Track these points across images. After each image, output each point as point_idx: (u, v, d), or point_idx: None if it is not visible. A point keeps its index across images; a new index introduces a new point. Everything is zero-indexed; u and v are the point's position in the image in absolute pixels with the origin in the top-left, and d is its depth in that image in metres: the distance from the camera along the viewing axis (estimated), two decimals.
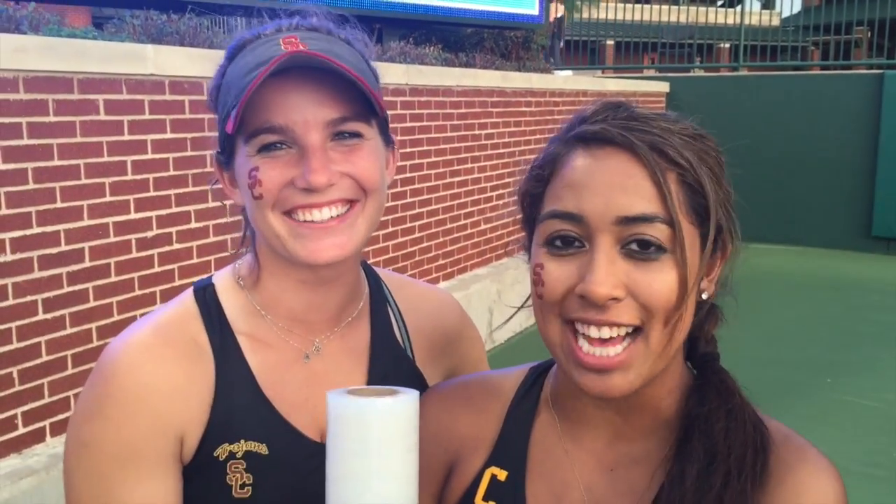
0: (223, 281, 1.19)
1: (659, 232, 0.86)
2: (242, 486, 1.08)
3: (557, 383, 1.04)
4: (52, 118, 3.21)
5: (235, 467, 1.08)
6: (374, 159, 1.10)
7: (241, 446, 1.09)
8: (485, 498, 1.01)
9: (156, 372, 1.06)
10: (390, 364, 1.23)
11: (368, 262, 1.34)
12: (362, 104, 1.07)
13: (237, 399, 1.10)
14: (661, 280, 0.86)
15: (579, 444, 1.00)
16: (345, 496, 0.89)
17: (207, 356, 1.11)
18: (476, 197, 6.61)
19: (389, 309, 1.28)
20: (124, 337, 1.10)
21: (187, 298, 1.16)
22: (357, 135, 1.08)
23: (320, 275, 1.14)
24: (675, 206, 0.86)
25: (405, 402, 0.91)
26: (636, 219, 0.85)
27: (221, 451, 1.08)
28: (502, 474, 1.02)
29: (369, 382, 1.20)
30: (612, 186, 0.86)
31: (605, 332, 0.88)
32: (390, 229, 5.50)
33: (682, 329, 0.89)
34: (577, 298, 0.88)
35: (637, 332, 0.88)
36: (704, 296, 0.95)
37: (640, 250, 0.86)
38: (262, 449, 1.09)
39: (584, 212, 0.87)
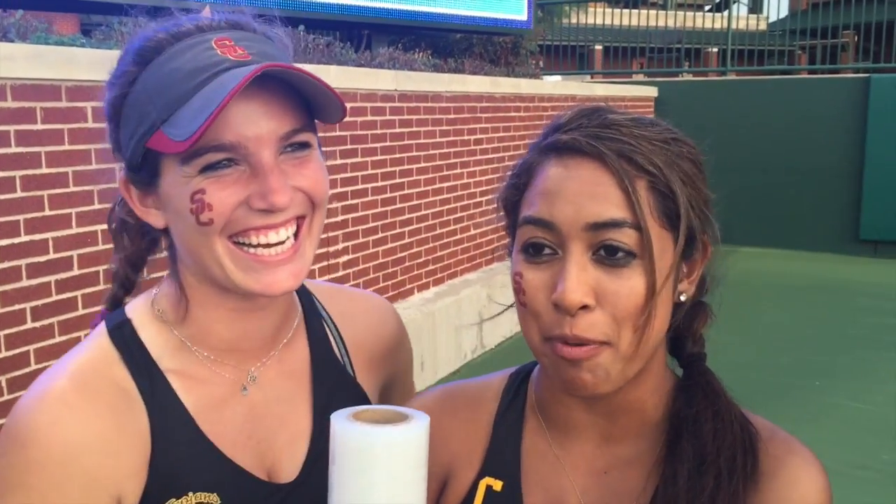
0: (140, 315, 1.06)
1: (627, 237, 0.87)
2: None
3: (542, 389, 1.04)
4: (39, 126, 3.20)
5: None
6: (321, 169, 1.02)
7: (191, 499, 0.99)
8: None
9: (81, 428, 0.93)
10: (333, 384, 1.15)
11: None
12: (307, 113, 0.99)
13: (178, 447, 1.00)
14: (629, 286, 0.87)
15: (570, 449, 1.01)
16: None
17: (137, 403, 0.99)
18: (466, 202, 6.62)
19: (324, 324, 1.19)
20: (36, 391, 0.95)
21: (102, 340, 1.03)
22: (306, 145, 1.00)
23: (257, 302, 1.05)
24: (644, 212, 0.88)
25: (416, 429, 0.85)
26: (605, 224, 0.87)
27: None
28: (497, 484, 1.02)
29: (314, 407, 1.12)
30: (582, 194, 0.88)
31: (576, 352, 0.89)
32: (380, 235, 5.50)
33: (652, 333, 0.90)
34: (553, 308, 0.89)
35: (606, 344, 0.90)
36: (682, 297, 0.96)
37: (610, 256, 0.88)
38: (214, 499, 1.00)
39: (555, 219, 0.89)
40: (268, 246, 0.98)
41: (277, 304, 1.08)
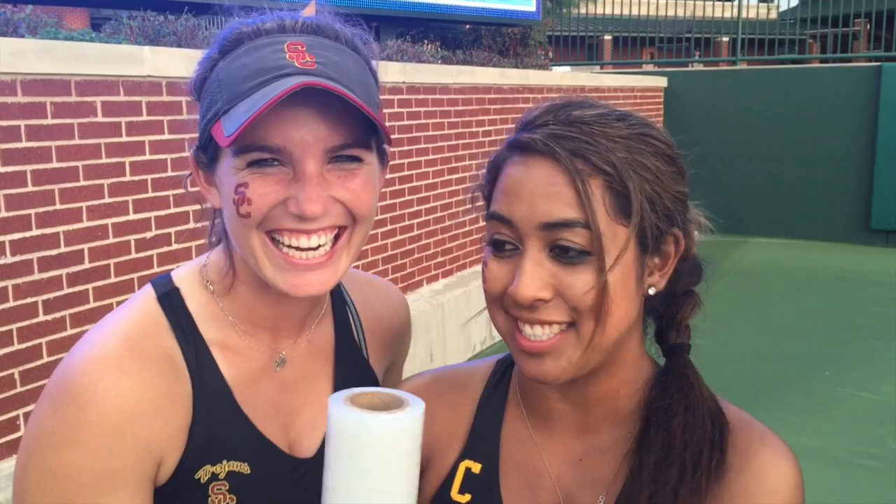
0: (189, 284, 1.10)
1: (579, 236, 0.89)
2: None
3: (522, 377, 1.07)
4: (50, 121, 3.23)
5: (218, 489, 1.04)
6: (369, 187, 1.03)
7: (224, 467, 1.04)
8: (460, 491, 1.05)
9: (136, 396, 0.97)
10: (352, 366, 1.21)
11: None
12: (366, 127, 1.00)
13: (216, 418, 1.04)
14: (582, 280, 0.90)
15: (548, 436, 1.04)
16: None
17: (183, 373, 1.04)
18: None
19: (347, 309, 1.25)
20: (92, 354, 0.99)
21: (152, 305, 1.07)
22: (356, 159, 1.01)
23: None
24: (597, 210, 0.90)
25: (411, 417, 0.87)
26: (557, 224, 0.90)
27: (203, 473, 1.03)
28: (476, 467, 1.06)
29: (336, 385, 1.17)
30: (537, 194, 0.91)
31: (538, 330, 0.92)
32: (389, 227, 5.52)
33: (614, 324, 0.92)
34: (511, 297, 0.93)
35: (570, 326, 0.93)
36: (651, 291, 0.98)
37: (564, 254, 0.90)
38: (245, 468, 1.05)
39: (513, 217, 0.93)
40: (299, 249, 1.00)
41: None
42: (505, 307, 0.95)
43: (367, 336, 1.25)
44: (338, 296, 1.24)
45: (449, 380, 1.14)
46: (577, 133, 0.92)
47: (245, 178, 0.98)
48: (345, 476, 0.85)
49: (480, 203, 1.04)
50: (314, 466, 1.08)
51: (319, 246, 1.01)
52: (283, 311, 1.11)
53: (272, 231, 1.00)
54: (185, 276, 1.12)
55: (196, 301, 1.09)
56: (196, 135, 1.09)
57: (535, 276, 0.90)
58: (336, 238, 1.03)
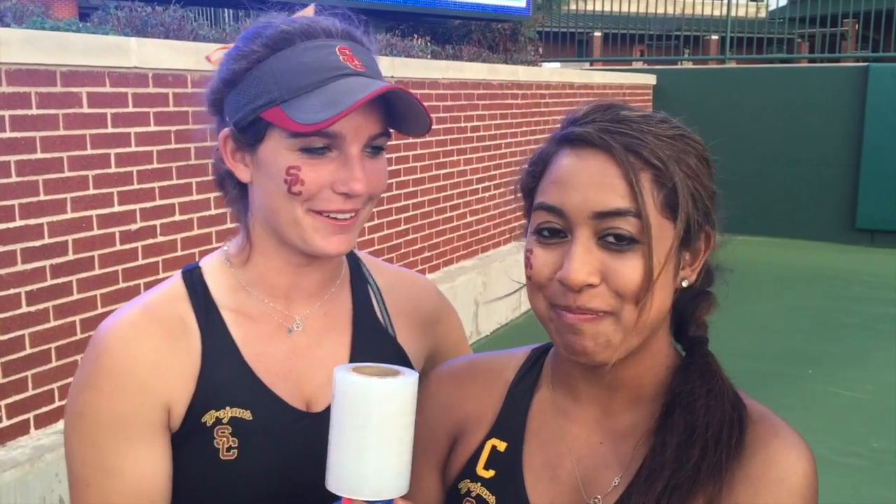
0: (211, 263, 1.27)
1: (630, 225, 0.94)
2: (229, 449, 1.17)
3: (554, 363, 1.13)
4: (34, 111, 3.21)
5: (222, 432, 1.17)
6: (385, 170, 1.22)
7: (227, 413, 1.17)
8: (485, 467, 1.11)
9: (142, 347, 1.15)
10: (373, 339, 1.31)
11: (366, 253, 1.41)
12: (386, 119, 1.17)
13: (222, 370, 1.19)
14: (631, 267, 0.95)
15: (573, 419, 1.09)
16: (343, 462, 0.98)
17: (193, 332, 1.19)
18: (462, 189, 6.63)
19: (369, 288, 1.36)
20: (116, 316, 1.19)
21: (176, 281, 1.24)
22: (381, 148, 1.19)
23: (310, 259, 1.23)
24: (647, 202, 0.95)
25: (405, 384, 0.99)
26: (610, 213, 0.94)
27: (208, 418, 1.17)
28: (502, 445, 1.11)
29: (352, 356, 1.29)
30: (591, 184, 0.96)
31: (580, 318, 0.97)
32: (376, 221, 5.52)
33: (653, 310, 0.97)
34: (558, 283, 0.97)
35: (609, 314, 0.97)
36: (684, 283, 1.03)
37: (614, 241, 0.95)
38: (247, 415, 1.18)
39: (565, 206, 0.97)
40: (336, 218, 1.18)
41: (324, 263, 1.27)
42: (548, 297, 0.99)
43: (393, 317, 1.36)
44: (357, 274, 1.36)
45: (485, 363, 1.21)
46: (627, 129, 0.97)
47: (297, 161, 1.13)
48: (346, 433, 0.98)
49: (515, 197, 1.10)
50: (320, 421, 1.18)
51: (348, 218, 1.18)
52: (297, 280, 1.25)
53: (316, 209, 1.16)
54: (209, 258, 1.29)
55: (214, 274, 1.25)
56: (223, 118, 1.21)
57: (585, 261, 0.95)
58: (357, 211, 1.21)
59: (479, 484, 1.10)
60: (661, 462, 0.97)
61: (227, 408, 1.17)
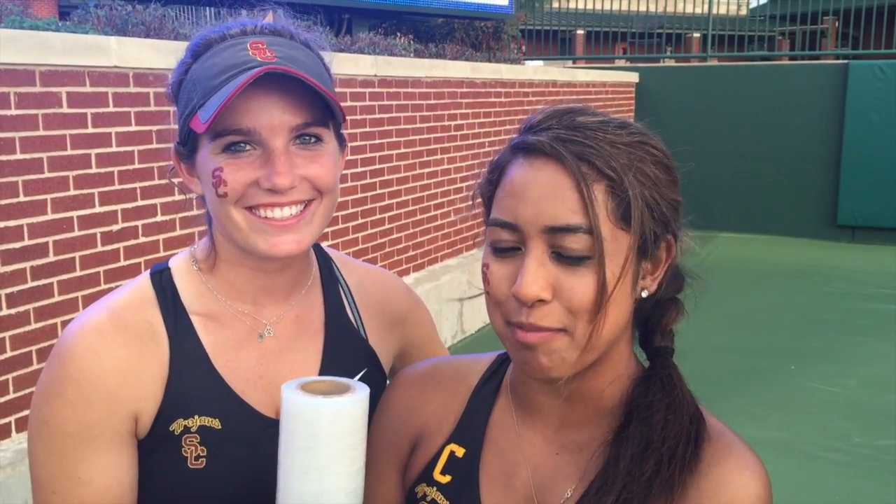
0: (179, 265, 1.25)
1: (580, 242, 0.92)
2: (197, 457, 1.15)
3: (514, 372, 1.12)
4: (13, 111, 3.17)
5: (190, 440, 1.15)
6: (331, 163, 1.18)
7: (195, 421, 1.15)
8: (442, 472, 1.10)
9: (110, 356, 1.12)
10: (344, 342, 1.30)
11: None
12: (322, 110, 1.14)
13: (190, 377, 1.17)
14: (583, 284, 0.93)
15: (531, 429, 1.08)
16: (292, 485, 0.96)
17: (161, 338, 1.17)
18: (446, 188, 6.63)
19: (340, 288, 1.35)
20: (81, 321, 1.16)
21: (144, 282, 1.22)
22: (318, 138, 1.15)
23: (273, 264, 1.21)
24: (600, 215, 0.92)
25: (354, 402, 0.96)
26: (560, 229, 0.92)
27: (176, 426, 1.15)
28: (460, 451, 1.11)
29: (324, 360, 1.27)
30: (542, 197, 0.94)
31: (532, 336, 0.95)
32: (360, 221, 5.51)
33: (607, 326, 0.95)
34: (513, 299, 0.95)
35: (561, 331, 0.95)
36: (644, 293, 1.00)
37: (565, 257, 0.93)
38: (216, 423, 1.16)
39: (518, 220, 0.95)
40: (274, 218, 1.15)
41: (291, 267, 1.25)
42: (504, 314, 0.97)
43: (364, 317, 1.34)
44: (328, 275, 1.35)
45: (449, 367, 1.19)
46: (581, 137, 0.95)
47: (220, 163, 1.12)
48: (296, 455, 0.95)
49: (478, 201, 1.07)
50: None
51: (291, 215, 1.15)
52: (264, 285, 1.24)
53: (249, 207, 1.13)
54: (177, 259, 1.26)
55: (183, 278, 1.22)
56: (174, 131, 1.22)
57: (538, 276, 0.93)
58: (305, 208, 1.17)
59: (434, 489, 1.09)
60: (615, 475, 0.96)
61: (196, 416, 1.16)
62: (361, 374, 1.15)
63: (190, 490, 1.15)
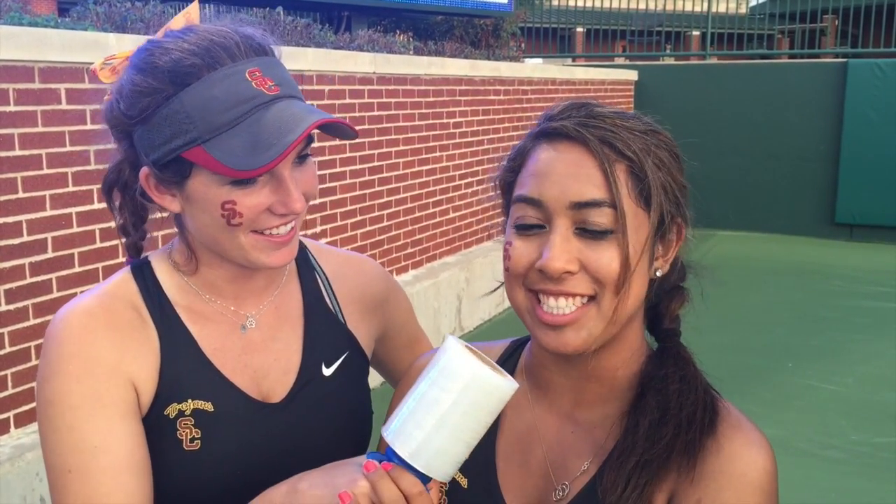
0: (159, 262, 1.27)
1: (605, 216, 0.98)
2: (192, 440, 1.19)
3: (530, 354, 1.17)
4: (12, 108, 3.18)
5: (184, 423, 1.19)
6: (315, 173, 1.22)
7: (189, 405, 1.19)
8: None
9: (104, 334, 1.15)
10: (324, 328, 1.34)
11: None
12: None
13: (182, 363, 1.20)
14: (607, 256, 0.98)
15: (546, 409, 1.13)
16: (417, 422, 0.95)
17: (150, 326, 1.20)
18: (444, 185, 6.63)
19: (317, 276, 1.38)
20: (69, 307, 1.17)
21: (125, 275, 1.25)
22: (307, 155, 1.19)
23: (262, 269, 1.25)
24: (622, 193, 0.98)
25: (511, 389, 0.96)
26: (586, 204, 0.98)
27: (171, 410, 1.18)
28: None
29: (305, 347, 1.31)
30: (568, 175, 0.99)
31: (562, 302, 1.00)
32: (358, 218, 5.51)
33: (630, 298, 1.00)
34: (538, 272, 1.00)
35: (591, 299, 1.00)
36: (658, 273, 1.07)
37: (590, 231, 0.98)
38: (208, 406, 1.20)
39: (543, 197, 1.00)
40: (279, 235, 1.19)
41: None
42: (527, 284, 1.02)
43: (342, 303, 1.38)
44: (304, 264, 1.38)
45: None
46: (601, 123, 1.01)
47: (230, 196, 1.12)
48: (437, 398, 0.95)
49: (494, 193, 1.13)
50: (280, 410, 1.25)
51: (290, 229, 1.20)
52: (245, 284, 1.27)
53: (257, 230, 1.16)
54: (155, 256, 1.28)
55: (164, 273, 1.25)
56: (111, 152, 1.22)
57: (563, 249, 0.98)
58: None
59: None
60: (634, 441, 1.00)
61: (190, 400, 1.19)
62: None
63: (187, 472, 1.18)
